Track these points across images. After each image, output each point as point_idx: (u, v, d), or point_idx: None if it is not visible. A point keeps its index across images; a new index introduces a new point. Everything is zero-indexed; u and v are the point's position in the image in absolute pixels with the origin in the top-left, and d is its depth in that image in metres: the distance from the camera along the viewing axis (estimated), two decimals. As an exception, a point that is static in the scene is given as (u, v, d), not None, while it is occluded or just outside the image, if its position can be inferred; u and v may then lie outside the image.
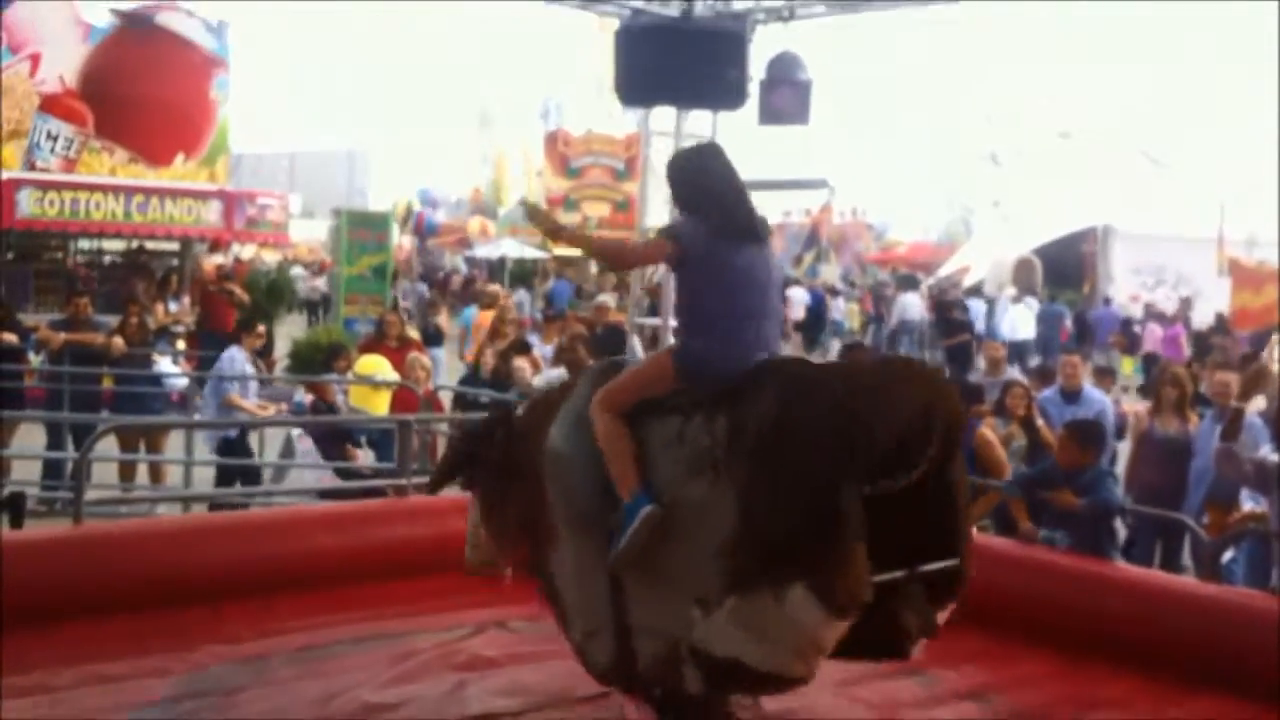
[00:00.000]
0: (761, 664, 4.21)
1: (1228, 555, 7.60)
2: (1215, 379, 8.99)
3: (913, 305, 26.51)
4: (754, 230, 4.59)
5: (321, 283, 32.58)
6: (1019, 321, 24.78)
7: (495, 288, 22.44)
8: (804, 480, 4.05)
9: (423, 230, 44.53)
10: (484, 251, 36.93)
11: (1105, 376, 11.66)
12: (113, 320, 12.42)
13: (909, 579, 4.22)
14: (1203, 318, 25.19)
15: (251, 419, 10.50)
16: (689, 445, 4.34)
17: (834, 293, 33.08)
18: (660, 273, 11.85)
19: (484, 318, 15.51)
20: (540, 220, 4.88)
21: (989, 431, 8.11)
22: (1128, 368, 22.54)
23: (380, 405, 11.22)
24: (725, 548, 4.17)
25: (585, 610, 4.75)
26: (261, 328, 10.40)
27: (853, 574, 3.96)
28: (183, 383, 12.28)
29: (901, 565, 4.18)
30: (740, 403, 4.28)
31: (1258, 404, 6.29)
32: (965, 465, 4.45)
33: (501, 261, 35.28)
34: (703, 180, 4.64)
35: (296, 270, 33.21)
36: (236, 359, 10.63)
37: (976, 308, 25.70)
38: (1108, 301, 28.82)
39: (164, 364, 12.46)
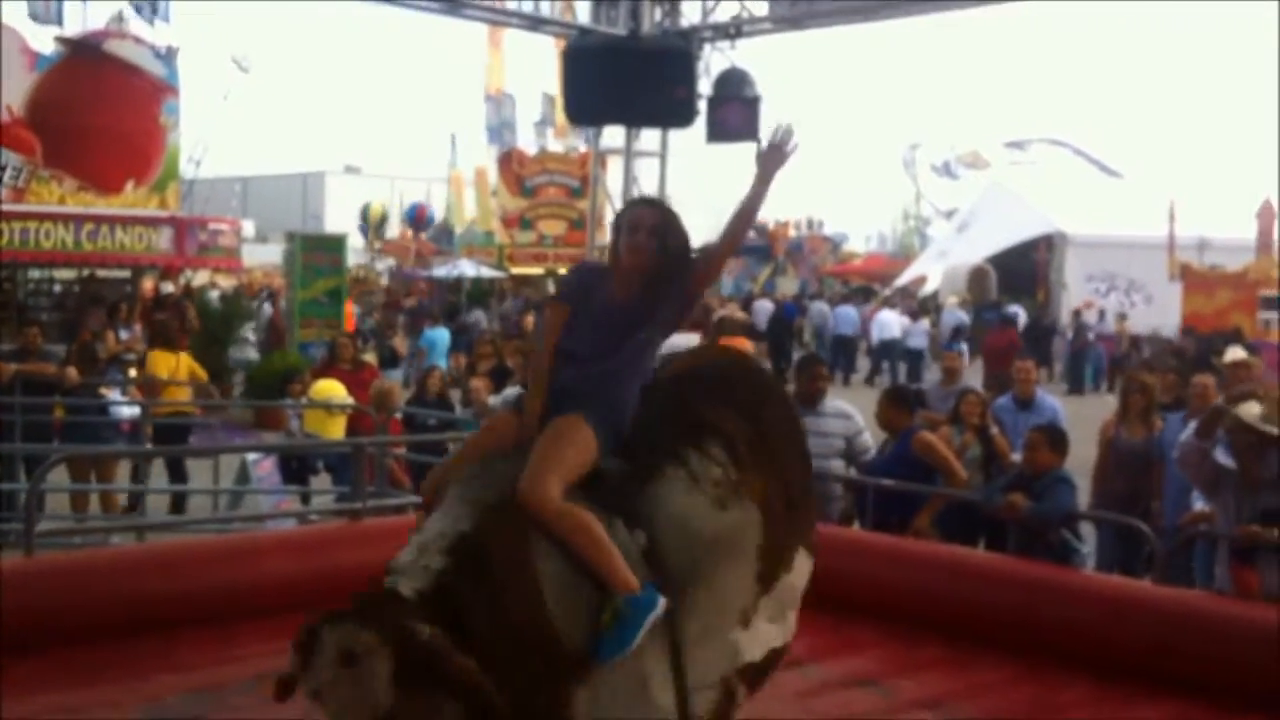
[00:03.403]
0: None
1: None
2: (1194, 380, 8.92)
3: (890, 324, 26.39)
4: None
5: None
6: (889, 324, 26.19)
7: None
8: None
9: (424, 222, 45.06)
10: (441, 271, 36.82)
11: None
12: (64, 350, 12.29)
13: None
14: (1151, 322, 25.49)
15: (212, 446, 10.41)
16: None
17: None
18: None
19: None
20: None
21: (928, 435, 8.09)
22: None
23: (336, 430, 11.19)
24: None
25: None
26: None
27: None
28: (133, 411, 12.16)
29: None
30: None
31: (1250, 409, 6.27)
32: None
33: (458, 281, 35.18)
34: None
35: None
36: None
37: (818, 309, 28.37)
38: (996, 306, 28.88)
39: (113, 393, 12.33)
